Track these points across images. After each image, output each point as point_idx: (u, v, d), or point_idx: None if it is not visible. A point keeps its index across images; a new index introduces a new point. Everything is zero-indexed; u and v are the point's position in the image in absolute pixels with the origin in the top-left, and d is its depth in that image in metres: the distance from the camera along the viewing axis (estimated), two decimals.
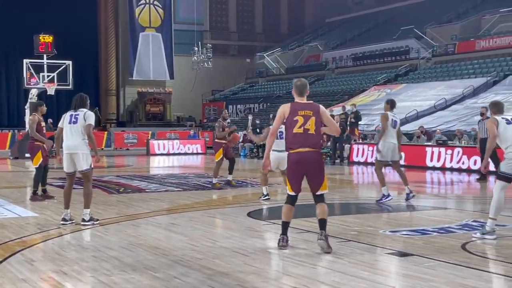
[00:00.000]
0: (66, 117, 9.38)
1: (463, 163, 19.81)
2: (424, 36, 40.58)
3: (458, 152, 20.05)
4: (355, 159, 24.07)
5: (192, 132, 37.20)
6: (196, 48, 46.43)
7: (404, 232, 8.51)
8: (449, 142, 21.64)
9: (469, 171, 19.22)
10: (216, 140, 15.20)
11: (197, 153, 32.27)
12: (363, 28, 50.29)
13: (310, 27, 57.01)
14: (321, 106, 7.48)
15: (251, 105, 44.28)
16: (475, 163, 19.21)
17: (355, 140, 25.03)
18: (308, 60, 49.14)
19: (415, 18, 43.22)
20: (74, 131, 9.23)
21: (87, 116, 9.24)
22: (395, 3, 50.54)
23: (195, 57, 46.65)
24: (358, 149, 24.18)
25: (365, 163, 23.18)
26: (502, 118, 8.21)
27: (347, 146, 24.90)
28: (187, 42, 48.04)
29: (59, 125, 9.50)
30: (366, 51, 43.21)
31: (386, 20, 49.34)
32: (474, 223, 9.05)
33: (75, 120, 9.25)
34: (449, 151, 20.32)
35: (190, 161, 28.12)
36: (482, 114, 16.79)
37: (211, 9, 54.34)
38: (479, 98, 29.02)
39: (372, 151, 23.45)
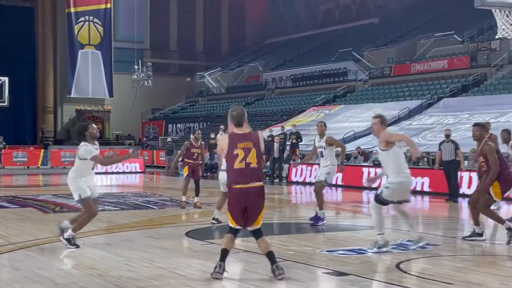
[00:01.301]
0: None
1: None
2: (361, 59, 41.43)
3: None
4: (293, 179, 24.28)
5: (130, 151, 36.77)
6: (136, 66, 46.13)
7: (340, 252, 8.63)
8: None
9: None
10: (185, 159, 15.02)
11: (136, 172, 31.94)
12: (303, 50, 51.01)
13: (251, 47, 57.46)
14: (259, 134, 7.19)
15: (191, 124, 44.17)
16: None
17: (294, 160, 25.24)
18: (248, 80, 49.45)
19: (353, 41, 44.14)
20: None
21: (78, 151, 9.07)
22: (333, 26, 51.48)
23: (135, 75, 46.32)
24: (296, 169, 24.39)
25: (304, 183, 23.40)
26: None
27: (285, 166, 25.11)
28: (127, 60, 47.67)
29: None
30: (305, 72, 43.81)
31: (325, 42, 50.19)
32: (408, 243, 9.24)
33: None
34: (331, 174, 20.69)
35: (129, 180, 27.81)
36: (447, 136, 16.97)
37: (152, 28, 54.13)
38: (414, 120, 29.75)
39: (311, 171, 23.73)
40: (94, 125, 9.17)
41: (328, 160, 11.86)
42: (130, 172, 31.73)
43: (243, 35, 58.93)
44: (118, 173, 31.11)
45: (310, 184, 23.05)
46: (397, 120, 30.41)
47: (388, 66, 38.85)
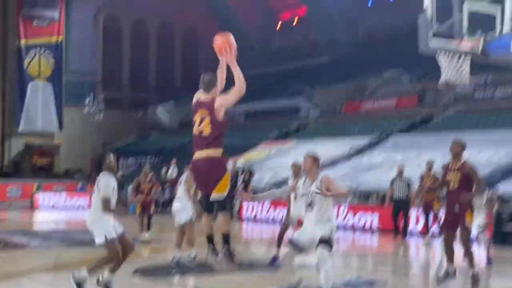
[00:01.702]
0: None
1: (348, 220, 20.42)
2: (313, 96, 41.98)
3: (344, 209, 20.69)
4: (244, 215, 24.26)
5: (79, 185, 36.28)
6: (88, 100, 45.72)
7: None
8: None
9: (354, 228, 19.81)
10: (136, 195, 14.90)
11: (84, 207, 31.39)
12: (256, 86, 51.38)
13: None
14: (217, 100, 6.99)
15: (143, 158, 43.84)
16: (359, 220, 19.90)
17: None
18: None
19: (305, 78, 44.74)
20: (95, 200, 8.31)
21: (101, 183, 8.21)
22: (286, 63, 52.16)
23: (87, 109, 45.89)
24: (248, 205, 24.41)
25: (255, 219, 23.41)
26: None
27: (237, 202, 25.08)
28: (79, 93, 47.25)
29: None
30: (258, 108, 44.12)
31: (278, 79, 50.77)
32: (359, 279, 9.31)
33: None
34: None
35: (77, 216, 27.31)
36: (400, 173, 16.90)
37: (105, 61, 53.84)
38: (364, 157, 30.18)
39: (262, 207, 23.78)
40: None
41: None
42: (79, 207, 31.20)
43: (196, 69, 58.99)
44: (65, 208, 30.57)
45: (261, 221, 23.12)
46: (347, 157, 30.81)
47: (339, 103, 39.48)
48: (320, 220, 7.70)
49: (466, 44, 7.36)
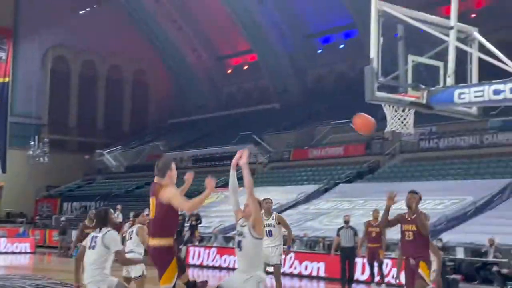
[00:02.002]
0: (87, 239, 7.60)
1: (295, 267, 20.30)
2: (262, 142, 42.16)
3: (290, 257, 20.57)
4: (190, 261, 23.90)
5: (21, 229, 35.26)
6: (32, 142, 44.80)
7: None
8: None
9: (300, 276, 19.69)
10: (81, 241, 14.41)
11: (26, 253, 30.44)
12: (205, 131, 51.39)
13: (152, 126, 57.34)
14: (163, 184, 6.90)
15: (88, 203, 43.01)
16: (306, 268, 19.81)
17: (191, 242, 24.91)
18: (149, 160, 48.98)
19: (254, 125, 44.94)
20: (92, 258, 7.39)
21: (107, 239, 7.35)
22: (235, 109, 52.36)
23: (31, 151, 44.92)
24: (194, 251, 24.08)
25: (201, 266, 23.08)
26: None
27: (184, 248, 24.71)
28: (23, 135, 46.30)
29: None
30: (207, 154, 44.00)
31: (227, 124, 50.86)
32: None
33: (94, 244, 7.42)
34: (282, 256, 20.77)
35: (17, 261, 26.47)
36: (346, 222, 16.91)
37: (51, 104, 53.12)
38: (311, 204, 30.25)
39: (208, 253, 23.48)
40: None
41: (277, 240, 11.38)
42: (20, 253, 30.23)
43: (145, 114, 58.83)
44: (6, 253, 29.58)
45: (207, 267, 22.79)
46: (295, 204, 30.85)
47: (287, 150, 39.69)
48: (249, 267, 7.07)
49: (410, 96, 7.48)
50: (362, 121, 7.55)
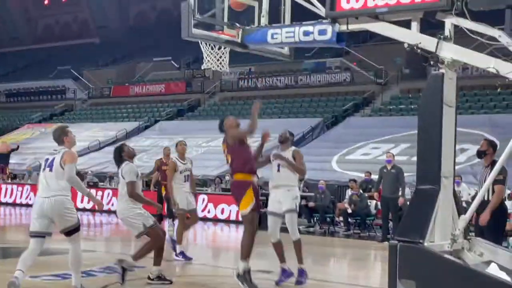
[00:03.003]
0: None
1: (112, 204, 20.23)
2: (81, 78, 40.85)
3: (108, 193, 20.49)
4: (2, 199, 22.91)
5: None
6: None
7: (44, 277, 8.34)
8: (100, 183, 22.16)
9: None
10: None
11: None
12: (19, 65, 48.66)
13: None
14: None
15: None
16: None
17: (3, 180, 23.86)
18: None
19: (72, 59, 43.31)
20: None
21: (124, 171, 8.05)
22: (52, 42, 50.03)
23: None
24: (6, 189, 23.12)
25: (14, 204, 22.24)
26: None
27: None
28: None
29: None
30: (21, 88, 41.86)
31: (43, 58, 48.48)
32: (116, 265, 9.23)
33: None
34: (100, 192, 20.66)
35: None
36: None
37: None
38: (131, 142, 29.96)
39: (22, 191, 22.62)
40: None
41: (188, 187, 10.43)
42: None
43: None
44: None
45: (20, 205, 21.98)
46: (114, 141, 30.46)
47: (108, 87, 38.84)
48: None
49: (226, 35, 7.64)
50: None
